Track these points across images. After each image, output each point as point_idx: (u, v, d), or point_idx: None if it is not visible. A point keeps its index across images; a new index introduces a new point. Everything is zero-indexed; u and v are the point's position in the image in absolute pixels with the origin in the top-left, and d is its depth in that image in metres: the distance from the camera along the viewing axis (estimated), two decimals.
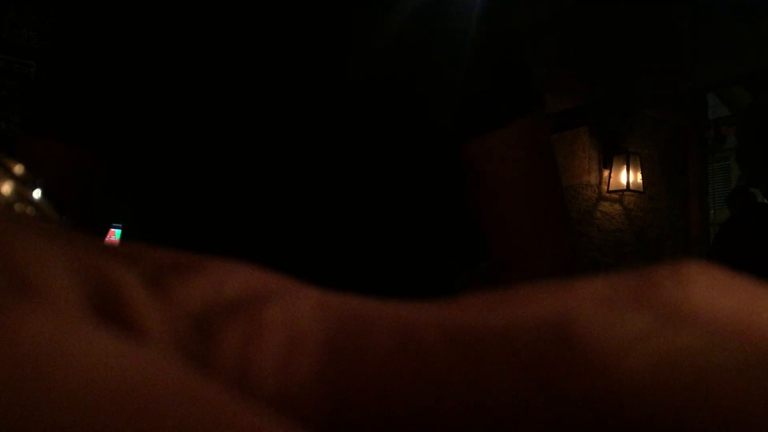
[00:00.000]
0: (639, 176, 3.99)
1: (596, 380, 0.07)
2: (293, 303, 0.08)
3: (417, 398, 0.07)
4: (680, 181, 4.38)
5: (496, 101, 0.63)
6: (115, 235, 2.23)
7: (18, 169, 0.15)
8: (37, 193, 0.15)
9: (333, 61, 0.60)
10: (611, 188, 3.98)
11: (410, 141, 0.62)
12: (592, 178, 3.96)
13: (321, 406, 0.07)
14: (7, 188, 0.15)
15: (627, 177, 3.94)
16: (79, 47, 0.63)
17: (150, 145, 0.62)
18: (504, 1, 0.65)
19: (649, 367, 0.07)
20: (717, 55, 3.24)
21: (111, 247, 0.10)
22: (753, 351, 0.07)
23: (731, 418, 0.07)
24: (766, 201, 1.40)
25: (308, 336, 0.08)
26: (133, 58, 0.61)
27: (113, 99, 0.62)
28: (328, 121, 0.60)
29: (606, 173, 3.99)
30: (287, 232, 0.61)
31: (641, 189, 4.01)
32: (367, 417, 0.07)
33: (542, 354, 0.07)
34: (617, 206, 4.06)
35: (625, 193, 4.01)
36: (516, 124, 0.62)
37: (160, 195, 0.63)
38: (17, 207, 0.15)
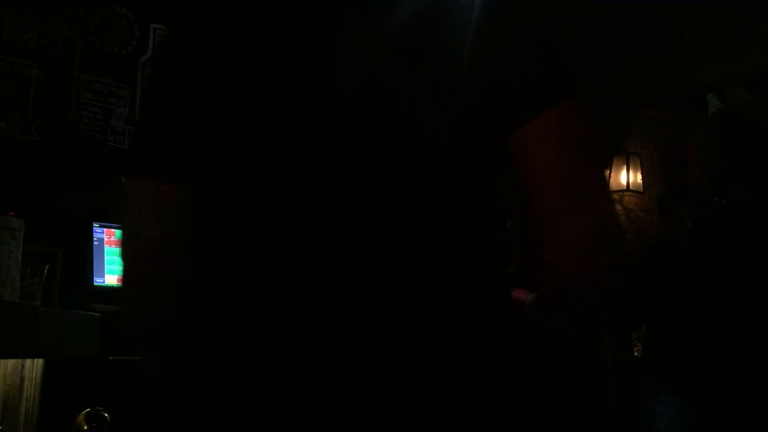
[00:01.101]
0: (639, 176, 3.98)
1: None
2: None
3: None
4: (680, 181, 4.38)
5: (527, 91, 0.63)
6: (115, 235, 2.23)
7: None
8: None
9: (324, 68, 0.60)
10: (611, 188, 3.98)
11: (401, 148, 0.62)
12: None
13: None
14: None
15: (627, 177, 3.93)
16: (181, 79, 0.65)
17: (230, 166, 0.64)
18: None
19: None
20: (717, 55, 3.24)
21: None
22: None
23: None
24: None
25: None
26: (227, 85, 0.63)
27: (207, 129, 0.63)
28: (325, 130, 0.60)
29: (606, 173, 3.99)
30: (298, 246, 0.61)
31: (641, 189, 4.00)
32: None
33: None
34: (617, 206, 4.06)
35: (625, 193, 4.01)
36: (551, 111, 0.63)
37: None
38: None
